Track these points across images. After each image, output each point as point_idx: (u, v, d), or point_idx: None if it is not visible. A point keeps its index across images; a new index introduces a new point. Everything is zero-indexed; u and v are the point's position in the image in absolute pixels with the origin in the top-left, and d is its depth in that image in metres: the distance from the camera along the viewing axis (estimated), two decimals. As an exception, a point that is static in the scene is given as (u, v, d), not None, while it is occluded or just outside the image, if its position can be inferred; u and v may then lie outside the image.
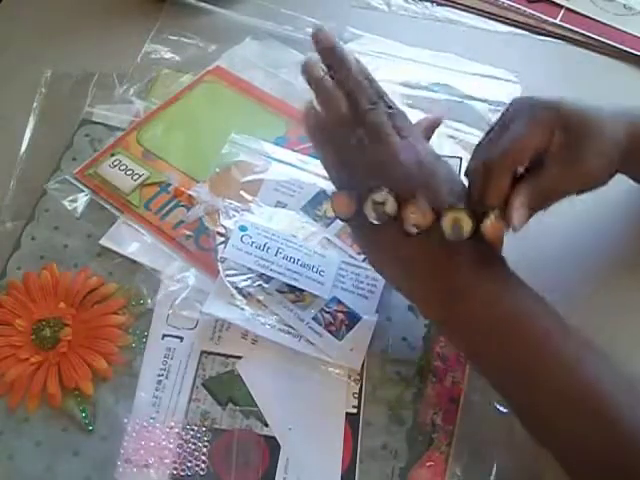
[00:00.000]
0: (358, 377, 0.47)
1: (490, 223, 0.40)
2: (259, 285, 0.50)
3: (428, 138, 0.48)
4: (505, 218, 0.40)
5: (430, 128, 0.48)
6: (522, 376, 0.39)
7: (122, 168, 0.57)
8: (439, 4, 0.75)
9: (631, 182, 0.53)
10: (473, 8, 0.74)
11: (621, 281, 0.52)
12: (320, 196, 0.55)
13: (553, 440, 0.39)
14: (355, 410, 0.46)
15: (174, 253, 0.52)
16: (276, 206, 0.55)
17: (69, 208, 0.55)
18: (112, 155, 0.58)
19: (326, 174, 0.57)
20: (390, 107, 0.44)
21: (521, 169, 0.43)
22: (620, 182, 0.49)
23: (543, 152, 0.42)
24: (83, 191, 0.56)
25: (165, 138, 0.59)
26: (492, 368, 0.41)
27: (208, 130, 0.60)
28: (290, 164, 0.57)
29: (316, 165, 0.57)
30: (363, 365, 0.47)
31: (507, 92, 0.64)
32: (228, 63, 0.65)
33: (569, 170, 0.43)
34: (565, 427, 0.38)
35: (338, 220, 0.54)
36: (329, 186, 0.56)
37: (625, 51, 0.70)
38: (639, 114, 0.49)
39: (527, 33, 0.73)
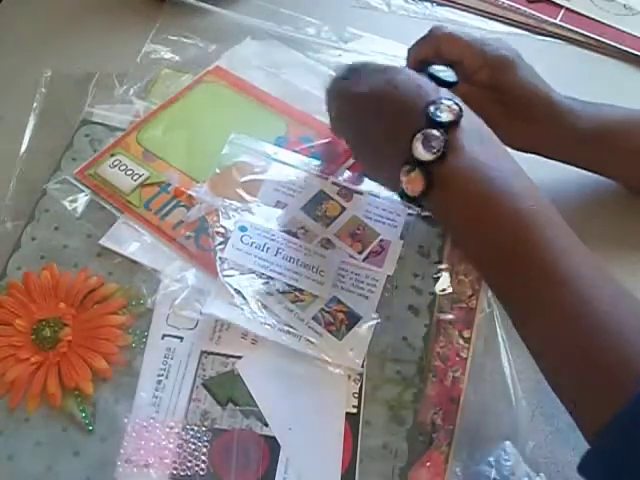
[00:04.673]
0: (358, 377, 0.47)
1: None
2: (259, 285, 0.50)
3: None
4: None
5: None
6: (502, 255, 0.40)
7: (122, 168, 0.57)
8: (439, 4, 0.75)
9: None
10: (473, 8, 0.75)
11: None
12: (320, 196, 0.55)
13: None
14: (355, 410, 0.46)
15: (174, 253, 0.52)
16: (276, 206, 0.55)
17: (69, 208, 0.54)
18: (112, 155, 0.57)
19: (328, 175, 0.57)
20: None
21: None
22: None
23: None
24: (83, 191, 0.55)
25: (165, 138, 0.59)
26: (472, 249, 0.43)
27: (208, 130, 0.60)
28: (290, 164, 0.57)
29: (316, 165, 0.57)
30: (363, 365, 0.47)
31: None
32: (228, 63, 0.65)
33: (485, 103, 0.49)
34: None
35: (338, 220, 0.54)
36: (329, 186, 0.56)
37: (625, 51, 0.70)
38: (610, 113, 0.53)
39: (527, 33, 0.73)
